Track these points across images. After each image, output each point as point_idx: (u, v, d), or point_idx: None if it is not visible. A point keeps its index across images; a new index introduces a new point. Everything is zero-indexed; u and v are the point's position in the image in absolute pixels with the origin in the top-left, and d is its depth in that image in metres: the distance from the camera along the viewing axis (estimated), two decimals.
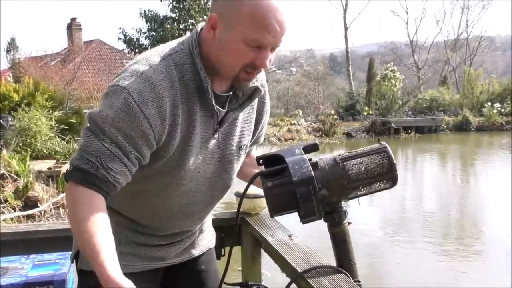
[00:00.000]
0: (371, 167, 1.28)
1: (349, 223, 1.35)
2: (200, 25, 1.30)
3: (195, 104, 1.25)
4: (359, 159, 1.29)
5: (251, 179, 1.35)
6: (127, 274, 1.41)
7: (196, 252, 1.58)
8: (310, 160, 1.29)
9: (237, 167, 1.45)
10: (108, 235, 1.13)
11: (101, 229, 1.12)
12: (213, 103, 1.26)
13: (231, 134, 1.38)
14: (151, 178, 1.33)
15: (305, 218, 1.28)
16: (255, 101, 1.41)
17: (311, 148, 1.34)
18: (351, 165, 1.28)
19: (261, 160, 1.33)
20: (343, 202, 1.33)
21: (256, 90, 1.34)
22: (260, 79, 1.39)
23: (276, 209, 1.29)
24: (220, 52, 1.23)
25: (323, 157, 1.32)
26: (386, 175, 1.29)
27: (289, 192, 1.25)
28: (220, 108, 1.29)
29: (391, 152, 1.29)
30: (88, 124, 1.21)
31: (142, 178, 1.31)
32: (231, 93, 1.32)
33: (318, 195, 1.25)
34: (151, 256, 1.46)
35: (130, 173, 1.22)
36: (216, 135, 1.33)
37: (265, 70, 1.32)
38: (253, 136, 1.48)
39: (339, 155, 1.31)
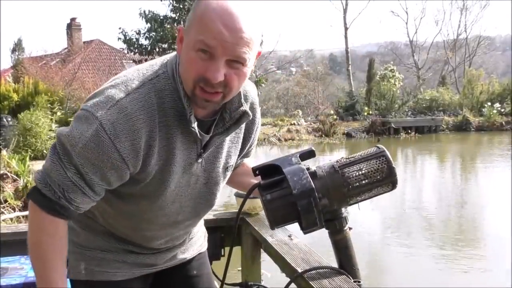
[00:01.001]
0: (370, 172, 1.26)
1: (350, 228, 1.34)
2: None
3: (175, 132, 1.19)
4: (358, 165, 1.27)
5: (249, 191, 1.33)
6: (116, 282, 1.40)
7: (186, 256, 1.56)
8: (308, 169, 1.26)
9: (222, 186, 1.43)
10: (64, 270, 1.22)
11: (62, 264, 1.20)
12: (196, 130, 1.19)
13: (217, 157, 1.33)
14: (131, 200, 1.30)
15: (307, 229, 1.26)
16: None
17: (308, 155, 1.31)
18: (350, 172, 1.26)
19: (257, 171, 1.30)
20: (343, 209, 1.32)
21: (244, 114, 1.25)
22: (251, 97, 1.35)
23: (276, 221, 1.28)
24: (181, 66, 1.16)
25: (321, 165, 1.30)
26: (386, 180, 1.27)
27: (289, 204, 1.23)
28: (203, 134, 1.23)
29: (389, 156, 1.27)
30: (57, 146, 1.17)
31: (123, 201, 1.30)
32: (216, 118, 1.25)
33: (319, 205, 1.23)
34: (140, 263, 1.44)
35: (94, 201, 1.21)
36: (199, 160, 1.28)
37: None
38: (240, 153, 1.43)
39: (337, 162, 1.29)
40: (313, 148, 1.33)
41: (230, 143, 1.35)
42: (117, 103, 1.12)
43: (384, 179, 1.27)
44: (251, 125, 1.40)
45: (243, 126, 1.36)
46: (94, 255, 1.39)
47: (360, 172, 1.26)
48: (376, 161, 1.26)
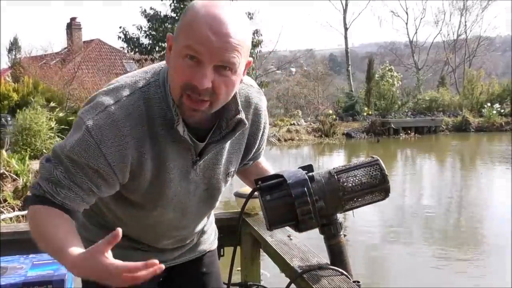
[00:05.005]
0: (364, 178, 1.34)
1: (344, 235, 1.39)
2: None
3: (165, 140, 1.20)
4: (353, 171, 1.34)
5: (249, 195, 1.38)
6: None
7: (195, 254, 1.57)
8: (306, 174, 1.34)
9: (223, 189, 1.44)
10: (67, 230, 1.13)
11: (61, 228, 1.14)
12: (187, 138, 1.19)
13: (217, 164, 1.33)
14: (135, 206, 1.32)
15: (303, 224, 1.30)
16: (247, 127, 1.32)
17: (306, 168, 1.39)
18: (346, 177, 1.33)
19: (260, 182, 1.35)
20: (338, 215, 1.37)
21: (240, 122, 1.24)
22: (254, 102, 1.35)
23: (274, 221, 1.33)
24: (169, 74, 1.16)
25: (318, 171, 1.37)
26: (379, 186, 1.34)
27: (287, 204, 1.30)
28: (196, 142, 1.23)
29: (383, 165, 1.35)
30: (51, 155, 1.19)
31: (128, 204, 1.31)
32: (214, 125, 1.25)
33: (313, 196, 1.29)
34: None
35: (84, 200, 1.19)
36: (194, 167, 1.28)
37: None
38: (244, 159, 1.43)
39: (334, 168, 1.36)
40: (311, 164, 1.40)
41: (232, 149, 1.35)
42: (105, 109, 1.14)
43: (377, 186, 1.34)
44: (255, 130, 1.39)
45: (246, 132, 1.36)
46: None
47: (355, 178, 1.33)
48: (370, 169, 1.34)
